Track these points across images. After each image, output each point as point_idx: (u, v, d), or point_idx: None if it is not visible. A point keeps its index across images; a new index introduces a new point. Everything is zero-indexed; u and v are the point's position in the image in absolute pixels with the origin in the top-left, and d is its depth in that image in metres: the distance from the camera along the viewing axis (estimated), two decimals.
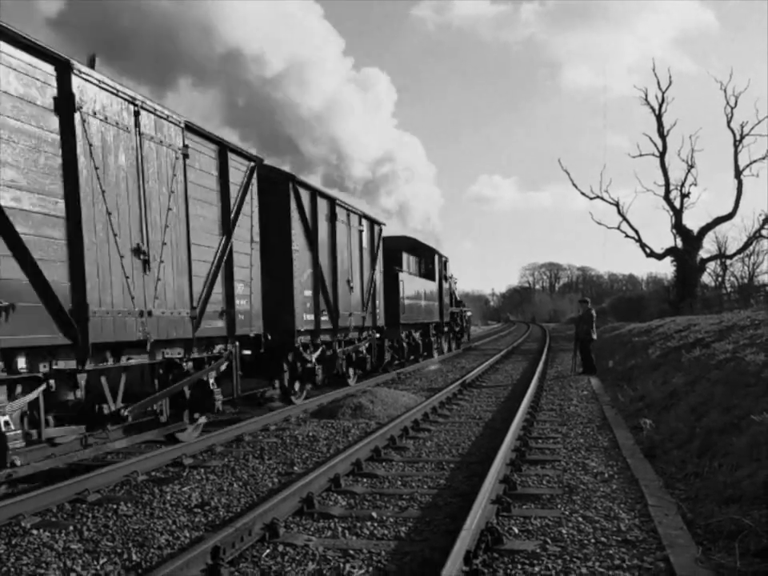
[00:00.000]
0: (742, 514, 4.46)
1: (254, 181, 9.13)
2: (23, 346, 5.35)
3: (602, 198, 37.23)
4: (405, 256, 18.90)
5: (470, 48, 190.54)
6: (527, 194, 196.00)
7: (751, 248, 38.51)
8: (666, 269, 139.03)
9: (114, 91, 6.41)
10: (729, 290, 39.64)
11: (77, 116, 5.83)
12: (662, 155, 36.03)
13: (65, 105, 5.74)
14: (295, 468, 6.77)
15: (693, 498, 5.29)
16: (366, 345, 14.25)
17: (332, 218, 12.25)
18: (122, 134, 6.49)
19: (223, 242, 8.30)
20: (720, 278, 42.43)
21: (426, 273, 21.80)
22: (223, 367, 8.38)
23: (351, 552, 4.31)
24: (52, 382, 5.73)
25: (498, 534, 4.28)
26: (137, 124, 6.70)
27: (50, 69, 5.65)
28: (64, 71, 5.78)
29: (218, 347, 8.37)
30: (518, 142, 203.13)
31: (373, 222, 14.92)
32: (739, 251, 37.69)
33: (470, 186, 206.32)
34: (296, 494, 5.20)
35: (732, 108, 34.21)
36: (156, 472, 6.67)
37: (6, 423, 5.12)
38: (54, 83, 5.69)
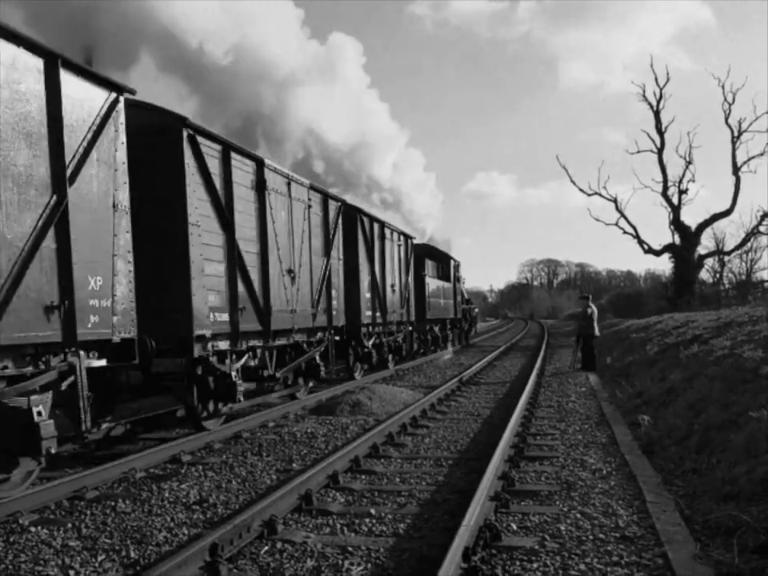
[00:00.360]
0: (740, 510, 4.47)
1: (340, 217, 12.77)
2: (247, 331, 8.88)
3: (600, 195, 37.29)
4: (427, 262, 21.85)
5: (468, 45, 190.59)
6: (525, 190, 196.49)
7: (749, 244, 38.56)
8: (664, 265, 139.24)
9: (279, 172, 10.01)
10: (727, 286, 39.70)
11: (266, 192, 9.52)
12: (659, 152, 36.07)
13: (260, 186, 9.42)
14: (294, 465, 6.77)
15: (691, 494, 5.30)
16: (402, 336, 17.54)
17: (382, 237, 15.82)
18: (282, 198, 10.16)
19: (325, 262, 11.90)
20: (718, 275, 42.50)
21: (443, 275, 24.67)
22: (322, 348, 11.46)
23: (350, 549, 4.31)
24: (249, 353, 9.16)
25: (496, 531, 4.28)
26: (288, 191, 10.35)
27: (252, 165, 9.32)
28: (259, 166, 9.43)
29: (319, 335, 11.61)
30: (516, 139, 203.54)
31: (407, 237, 18.41)
32: (737, 248, 37.74)
33: (468, 183, 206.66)
34: (294, 491, 5.20)
35: (730, 104, 34.26)
36: (154, 469, 6.67)
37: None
38: (254, 174, 9.32)
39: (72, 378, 5.72)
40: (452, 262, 25.94)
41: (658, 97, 35.82)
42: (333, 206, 12.48)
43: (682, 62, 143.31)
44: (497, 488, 5.28)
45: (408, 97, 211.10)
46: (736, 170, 34.45)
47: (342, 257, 12.86)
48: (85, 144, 5.99)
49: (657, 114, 35.95)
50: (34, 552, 4.44)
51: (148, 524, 4.95)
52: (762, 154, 33.82)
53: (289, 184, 10.38)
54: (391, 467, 6.57)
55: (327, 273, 12.00)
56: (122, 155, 6.46)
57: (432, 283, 21.83)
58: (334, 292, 12.18)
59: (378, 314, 15.17)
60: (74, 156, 5.81)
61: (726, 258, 40.84)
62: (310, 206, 11.21)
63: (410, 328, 18.46)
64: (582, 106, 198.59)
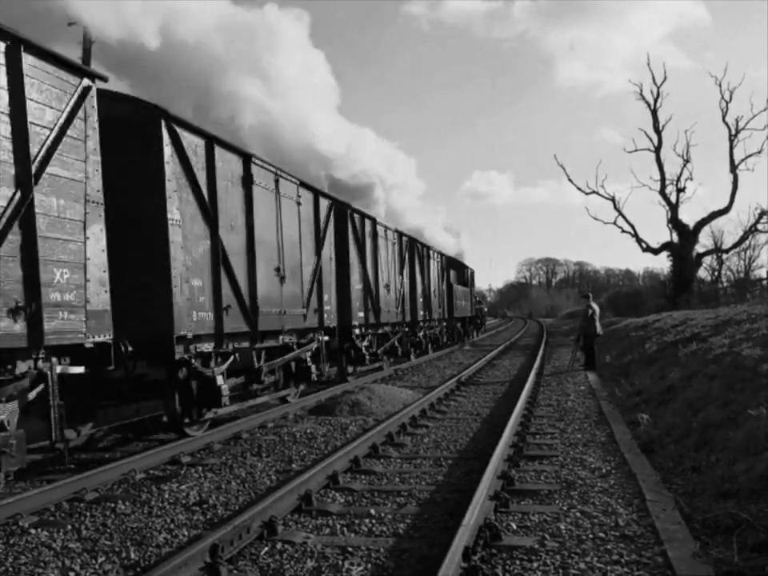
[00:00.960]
0: (740, 508, 4.47)
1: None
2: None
3: (598, 194, 37.36)
4: (451, 271, 27.29)
5: (464, 44, 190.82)
6: (522, 189, 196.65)
7: (747, 242, 38.81)
8: (662, 264, 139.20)
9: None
10: (725, 284, 39.75)
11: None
12: (657, 150, 36.12)
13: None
14: (293, 465, 6.77)
15: (690, 492, 5.30)
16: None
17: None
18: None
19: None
20: (716, 273, 42.60)
21: (461, 281, 29.98)
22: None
23: (350, 549, 4.31)
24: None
25: (496, 530, 4.28)
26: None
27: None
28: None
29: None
30: (513, 138, 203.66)
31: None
32: (735, 246, 37.89)
33: (466, 182, 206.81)
34: (294, 492, 5.20)
35: (727, 102, 34.30)
36: (154, 470, 6.67)
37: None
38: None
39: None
40: (467, 271, 31.86)
41: (655, 95, 35.90)
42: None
43: (678, 60, 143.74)
44: (496, 487, 5.28)
45: (402, 95, 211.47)
46: (734, 167, 34.49)
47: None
48: (324, 231, 10.08)
49: (654, 112, 36.03)
50: (34, 554, 4.44)
51: (148, 525, 4.95)
52: (759, 152, 33.90)
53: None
54: (391, 467, 6.57)
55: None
56: (332, 232, 8.49)
57: (458, 289, 27.72)
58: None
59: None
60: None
61: (724, 256, 41.03)
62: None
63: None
64: (578, 105, 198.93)
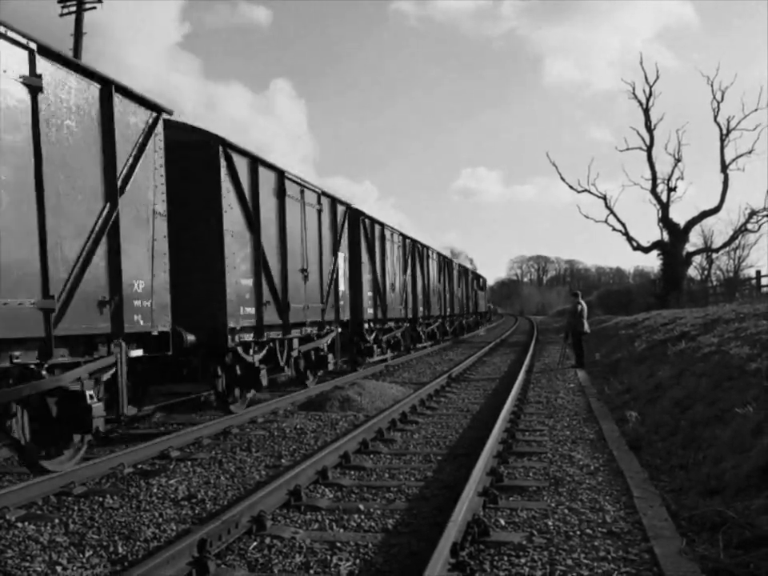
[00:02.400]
0: (726, 505, 4.51)
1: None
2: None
3: (590, 192, 37.36)
4: (474, 281, 40.36)
5: (452, 42, 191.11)
6: (512, 186, 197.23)
7: (737, 242, 38.84)
8: (652, 262, 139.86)
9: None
10: (714, 283, 39.92)
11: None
12: (649, 149, 36.18)
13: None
14: (283, 461, 6.77)
15: (677, 489, 5.34)
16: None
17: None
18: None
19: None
20: (706, 272, 42.77)
21: (478, 287, 42.79)
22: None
23: (338, 544, 4.32)
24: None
25: (484, 526, 4.30)
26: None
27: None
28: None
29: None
30: (502, 135, 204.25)
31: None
32: (725, 245, 37.99)
33: (456, 180, 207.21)
34: (283, 487, 5.20)
35: (719, 102, 34.40)
36: (143, 464, 6.65)
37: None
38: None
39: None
40: (482, 279, 46.40)
41: (647, 95, 35.96)
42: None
43: (666, 60, 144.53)
44: (485, 483, 5.30)
45: (391, 92, 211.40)
46: (724, 167, 34.63)
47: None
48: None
49: (646, 111, 36.08)
50: (21, 547, 4.42)
51: (136, 520, 4.94)
52: (750, 152, 34.04)
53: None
54: (380, 463, 6.58)
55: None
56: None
57: (479, 294, 42.13)
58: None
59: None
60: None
61: (714, 256, 41.11)
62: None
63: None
64: (566, 103, 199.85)
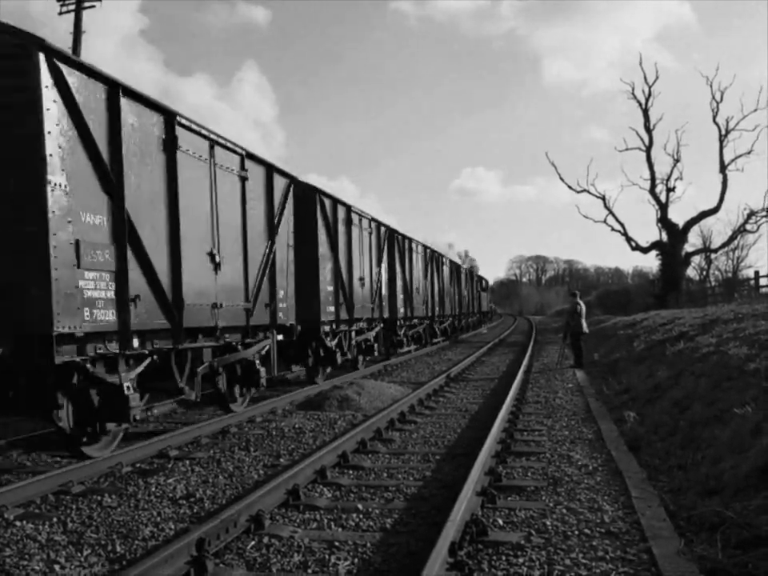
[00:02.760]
0: (724, 506, 4.51)
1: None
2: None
3: (589, 192, 37.42)
4: (477, 283, 42.80)
5: (451, 42, 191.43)
6: (511, 186, 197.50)
7: (735, 242, 38.93)
8: (651, 262, 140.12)
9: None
10: (713, 283, 39.95)
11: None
12: (648, 149, 36.22)
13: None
14: (281, 460, 6.77)
15: (676, 489, 5.34)
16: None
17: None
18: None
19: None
20: (705, 272, 42.83)
21: (481, 288, 45.76)
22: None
23: (337, 544, 4.32)
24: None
25: (483, 526, 4.30)
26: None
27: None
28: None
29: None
30: (501, 135, 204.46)
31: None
32: (724, 245, 38.06)
33: (455, 180, 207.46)
34: (282, 486, 5.20)
35: (718, 103, 34.44)
36: (141, 463, 6.64)
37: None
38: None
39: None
40: (483, 281, 49.25)
41: (646, 95, 35.99)
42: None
43: (665, 60, 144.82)
44: (484, 483, 5.30)
45: (389, 92, 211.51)
46: (723, 168, 34.66)
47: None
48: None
49: (645, 111, 36.12)
50: (19, 546, 4.41)
51: (134, 519, 4.93)
52: (749, 153, 34.07)
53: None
54: (379, 462, 6.58)
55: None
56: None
57: (482, 295, 45.17)
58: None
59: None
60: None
61: (713, 256, 41.19)
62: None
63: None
64: (565, 103, 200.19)
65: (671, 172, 35.84)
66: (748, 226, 35.41)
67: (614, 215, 37.17)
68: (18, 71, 5.70)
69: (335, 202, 13.12)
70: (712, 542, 4.06)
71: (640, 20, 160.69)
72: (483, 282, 49.00)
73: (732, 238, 37.04)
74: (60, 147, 5.78)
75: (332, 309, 12.72)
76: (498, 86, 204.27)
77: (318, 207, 12.23)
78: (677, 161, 35.40)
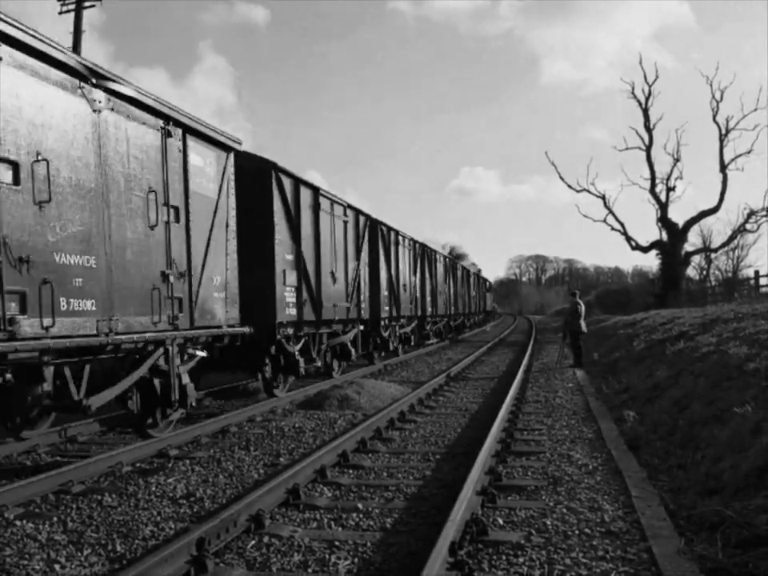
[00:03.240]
0: (724, 505, 4.51)
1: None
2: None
3: (589, 191, 37.39)
4: (482, 285, 46.65)
5: (450, 41, 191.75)
6: (510, 186, 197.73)
7: (735, 242, 38.87)
8: (651, 262, 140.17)
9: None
10: (713, 283, 39.95)
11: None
12: (648, 149, 36.20)
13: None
14: (281, 459, 6.77)
15: (676, 489, 5.35)
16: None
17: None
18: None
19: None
20: (704, 272, 42.79)
21: (486, 289, 50.45)
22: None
23: (337, 543, 4.32)
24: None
25: (483, 526, 4.30)
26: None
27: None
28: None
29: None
30: (500, 134, 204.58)
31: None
32: (723, 245, 38.01)
33: (453, 180, 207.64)
34: (282, 486, 5.20)
35: (718, 102, 34.41)
36: (141, 463, 6.64)
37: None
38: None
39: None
40: (487, 282, 53.45)
41: (646, 94, 35.97)
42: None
43: (664, 60, 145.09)
44: (484, 483, 5.30)
45: (386, 92, 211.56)
46: (723, 167, 34.65)
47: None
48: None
49: (645, 111, 36.09)
50: (19, 546, 4.41)
51: (134, 518, 4.93)
52: (749, 152, 34.06)
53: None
54: (379, 462, 6.58)
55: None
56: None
57: (487, 296, 50.12)
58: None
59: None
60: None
61: (713, 255, 41.15)
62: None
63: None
64: (564, 103, 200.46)
65: (671, 171, 35.85)
66: (748, 226, 35.40)
67: (613, 215, 37.16)
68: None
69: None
70: (712, 542, 4.06)
71: (638, 20, 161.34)
72: (487, 283, 52.98)
73: (732, 238, 37.03)
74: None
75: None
76: (496, 86, 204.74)
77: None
78: (677, 160, 35.41)
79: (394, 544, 4.30)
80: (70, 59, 5.89)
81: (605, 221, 37.40)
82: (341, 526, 4.68)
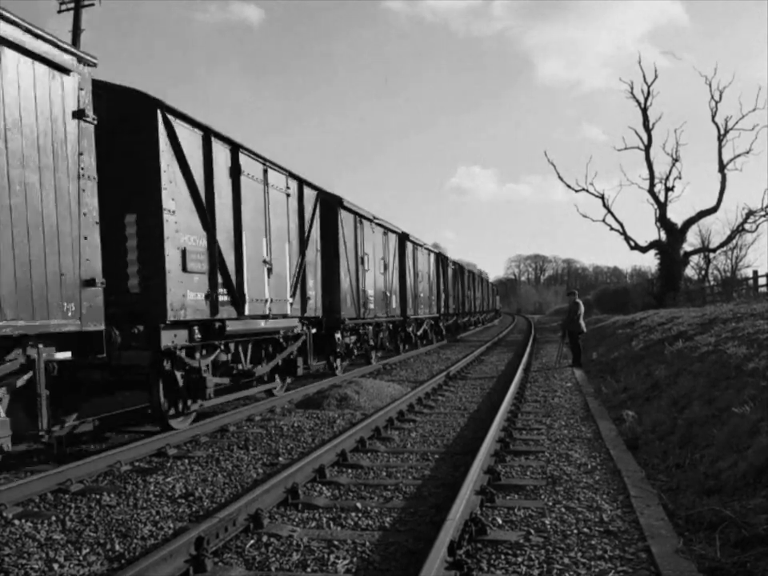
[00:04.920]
0: (723, 504, 4.52)
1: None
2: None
3: (588, 191, 37.40)
4: (492, 288, 60.47)
5: (444, 41, 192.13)
6: (507, 185, 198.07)
7: (734, 242, 38.93)
8: (650, 262, 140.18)
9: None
10: (712, 283, 39.99)
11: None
12: (647, 148, 36.22)
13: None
14: (280, 459, 6.77)
15: (674, 488, 5.35)
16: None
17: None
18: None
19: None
20: (703, 272, 42.82)
21: (492, 292, 58.51)
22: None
23: (336, 542, 4.32)
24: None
25: (482, 525, 4.30)
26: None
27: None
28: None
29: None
30: (495, 134, 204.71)
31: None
32: (722, 245, 38.03)
33: (450, 179, 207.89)
34: (281, 485, 5.20)
35: (717, 102, 34.42)
36: (139, 462, 6.64)
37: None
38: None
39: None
40: (492, 285, 62.21)
41: (645, 94, 35.98)
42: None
43: (658, 59, 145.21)
44: (483, 482, 5.30)
45: (383, 89, 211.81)
46: (722, 167, 34.67)
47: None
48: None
49: (644, 111, 36.10)
50: (17, 545, 4.41)
51: (133, 517, 4.93)
52: (747, 152, 34.09)
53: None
54: (378, 461, 6.58)
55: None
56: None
57: (496, 298, 64.60)
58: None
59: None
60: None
61: (712, 255, 41.19)
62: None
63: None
64: (559, 102, 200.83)
65: (670, 171, 35.85)
66: (747, 226, 35.45)
67: (612, 214, 37.17)
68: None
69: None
70: (711, 541, 4.07)
71: (632, 19, 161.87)
72: (492, 285, 62.14)
73: (730, 238, 37.05)
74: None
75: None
76: (491, 85, 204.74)
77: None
78: (675, 160, 35.42)
79: (392, 543, 4.30)
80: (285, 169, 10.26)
81: (604, 221, 37.43)
82: (340, 526, 4.68)
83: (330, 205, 13.08)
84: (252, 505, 4.66)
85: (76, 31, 20.41)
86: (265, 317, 9.64)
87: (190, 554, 3.87)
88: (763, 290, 25.34)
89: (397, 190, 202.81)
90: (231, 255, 8.70)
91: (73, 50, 6.07)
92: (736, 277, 39.74)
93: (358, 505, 5.09)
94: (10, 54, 5.33)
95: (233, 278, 8.66)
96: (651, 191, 36.10)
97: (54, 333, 5.62)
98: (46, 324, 5.49)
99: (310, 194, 11.67)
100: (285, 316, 10.44)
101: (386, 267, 17.50)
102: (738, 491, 4.74)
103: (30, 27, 5.47)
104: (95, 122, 6.21)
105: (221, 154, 8.48)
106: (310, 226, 11.66)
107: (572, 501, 5.07)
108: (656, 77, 40.12)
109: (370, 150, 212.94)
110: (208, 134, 8.18)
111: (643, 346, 14.18)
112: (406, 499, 5.28)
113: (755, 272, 27.16)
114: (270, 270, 9.83)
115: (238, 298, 8.76)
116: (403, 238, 19.63)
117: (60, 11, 21.03)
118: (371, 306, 15.82)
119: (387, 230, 17.80)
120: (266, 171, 9.75)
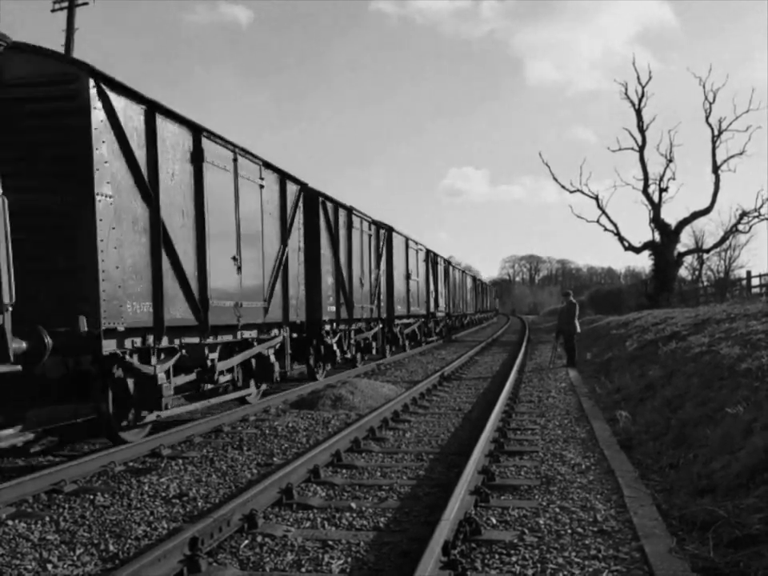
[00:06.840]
0: (716, 504, 4.53)
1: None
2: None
3: (582, 192, 37.44)
4: (489, 290, 66.25)
5: (434, 42, 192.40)
6: (499, 186, 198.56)
7: (728, 242, 39.08)
8: (643, 262, 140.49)
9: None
10: (705, 283, 40.13)
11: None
12: (641, 149, 36.27)
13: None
14: (274, 459, 6.76)
15: (668, 488, 5.36)
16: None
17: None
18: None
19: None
20: (697, 272, 43.03)
21: (490, 293, 66.35)
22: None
23: (330, 542, 4.32)
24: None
25: (476, 525, 4.31)
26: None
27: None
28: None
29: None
30: (487, 135, 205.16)
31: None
32: (716, 246, 38.16)
33: (443, 180, 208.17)
34: (275, 485, 5.19)
35: (711, 103, 34.50)
36: (133, 462, 6.62)
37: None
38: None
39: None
40: (490, 286, 69.37)
41: (639, 95, 36.06)
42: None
43: (647, 61, 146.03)
44: (477, 482, 5.31)
45: (375, 90, 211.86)
46: (716, 168, 34.78)
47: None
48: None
49: (638, 112, 36.16)
50: (11, 545, 4.39)
51: (127, 518, 4.92)
52: (741, 154, 34.20)
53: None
54: (372, 461, 6.58)
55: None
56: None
57: (495, 301, 78.51)
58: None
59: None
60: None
61: (705, 256, 41.36)
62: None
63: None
64: (549, 103, 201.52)
65: (664, 172, 35.89)
66: (740, 227, 35.51)
67: (606, 215, 37.20)
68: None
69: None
70: (704, 541, 4.08)
71: (621, 21, 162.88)
72: (488, 287, 66.24)
73: (724, 239, 37.17)
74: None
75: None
76: (481, 87, 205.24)
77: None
78: (669, 161, 35.49)
79: (387, 543, 4.30)
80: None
81: (598, 221, 37.48)
82: (334, 526, 4.68)
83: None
84: (246, 505, 4.65)
85: (70, 30, 20.36)
86: (361, 317, 9.05)
87: (184, 554, 3.86)
88: (756, 290, 25.46)
89: (389, 191, 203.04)
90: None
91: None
92: (729, 277, 39.89)
93: (353, 505, 5.09)
94: None
95: (348, 291, 8.40)
96: (645, 192, 36.16)
97: None
98: None
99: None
100: (369, 317, 9.91)
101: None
102: (731, 491, 4.75)
103: None
104: None
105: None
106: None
107: (566, 501, 5.08)
108: (650, 78, 40.13)
109: (361, 151, 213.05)
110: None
111: (637, 347, 14.21)
112: (400, 499, 5.28)
113: (748, 273, 27.34)
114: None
115: (350, 305, 8.29)
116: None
117: (53, 10, 20.97)
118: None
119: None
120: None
